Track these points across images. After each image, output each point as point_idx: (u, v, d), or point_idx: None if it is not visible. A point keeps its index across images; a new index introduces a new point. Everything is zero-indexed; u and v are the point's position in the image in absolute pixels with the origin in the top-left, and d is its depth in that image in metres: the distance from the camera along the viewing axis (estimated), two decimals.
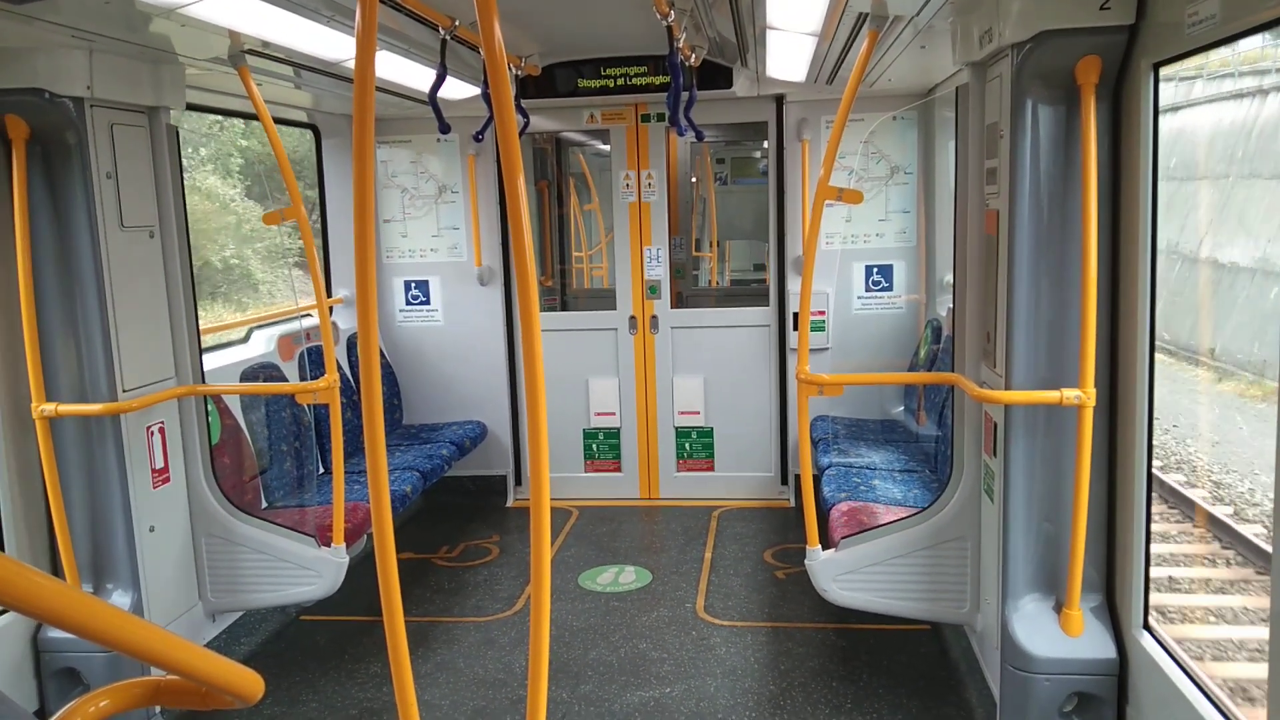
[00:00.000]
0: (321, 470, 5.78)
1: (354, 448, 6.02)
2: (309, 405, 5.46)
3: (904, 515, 4.22)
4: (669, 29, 3.94)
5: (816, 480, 5.41)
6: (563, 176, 8.34)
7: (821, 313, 6.54)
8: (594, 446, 7.03)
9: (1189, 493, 7.83)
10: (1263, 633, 5.07)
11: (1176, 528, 7.37)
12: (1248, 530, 6.73)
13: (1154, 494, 6.79)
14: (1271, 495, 7.45)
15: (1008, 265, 3.37)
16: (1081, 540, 3.21)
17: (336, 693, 4.37)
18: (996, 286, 3.51)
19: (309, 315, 6.27)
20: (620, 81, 6.16)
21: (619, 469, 7.03)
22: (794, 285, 6.57)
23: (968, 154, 3.83)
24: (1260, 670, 5.13)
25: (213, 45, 4.01)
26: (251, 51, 4.15)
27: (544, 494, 1.76)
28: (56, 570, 3.97)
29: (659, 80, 6.11)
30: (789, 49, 4.86)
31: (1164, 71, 2.98)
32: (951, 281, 4.26)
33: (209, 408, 4.66)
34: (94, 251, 3.83)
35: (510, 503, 7.07)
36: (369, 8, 1.61)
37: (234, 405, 5.18)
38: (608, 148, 6.86)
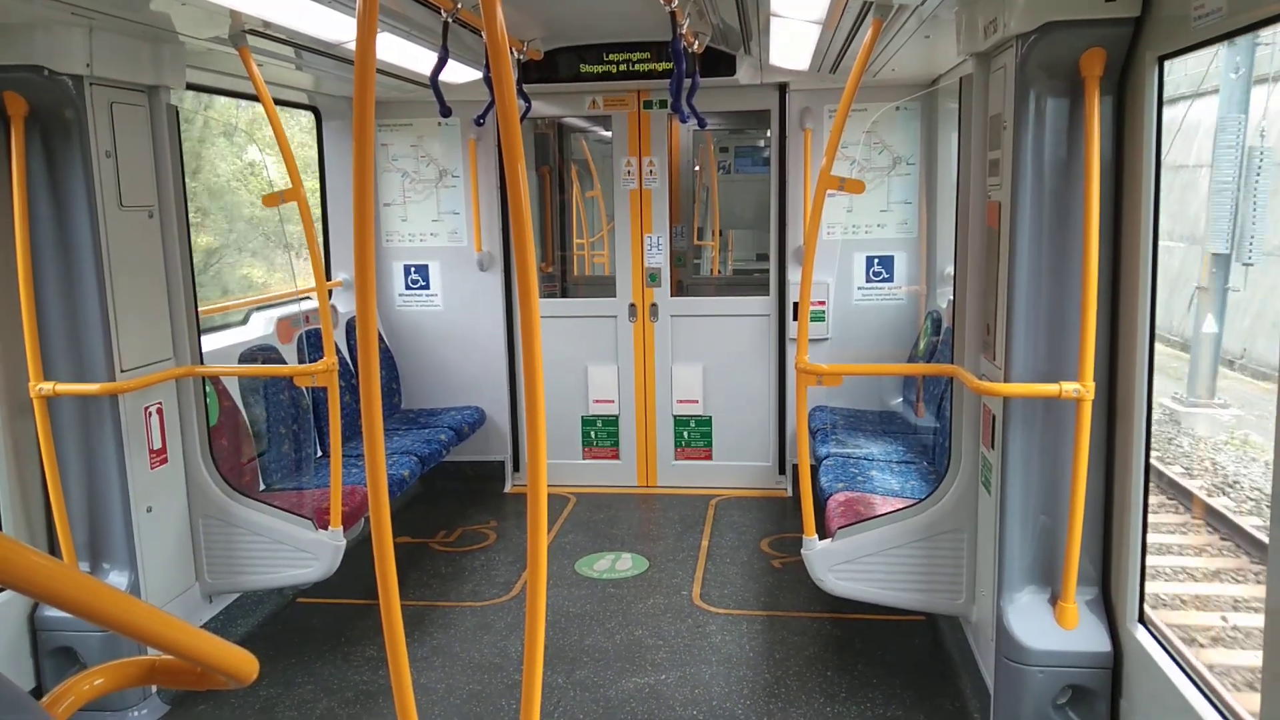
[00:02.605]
0: (319, 453, 5.78)
1: (352, 431, 6.02)
2: (307, 388, 5.46)
3: (901, 506, 4.23)
4: (672, 15, 3.91)
5: (814, 470, 5.41)
6: (564, 162, 8.31)
7: (822, 303, 6.53)
8: (592, 433, 7.03)
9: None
10: None
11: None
12: None
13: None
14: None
15: (1009, 257, 3.36)
16: (1078, 533, 3.21)
17: (332, 675, 4.39)
18: (997, 278, 3.51)
19: (308, 298, 6.26)
20: (623, 67, 6.13)
21: (617, 456, 7.03)
22: (794, 275, 6.55)
23: (970, 145, 3.82)
24: None
25: (214, 24, 3.99)
26: (253, 32, 4.12)
27: (541, 480, 1.76)
28: (54, 550, 3.98)
29: (662, 67, 6.09)
30: (793, 37, 4.83)
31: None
32: (952, 273, 4.25)
33: (207, 389, 4.66)
34: (93, 231, 3.81)
35: (508, 488, 7.08)
36: None
37: (232, 387, 5.17)
38: (610, 134, 6.84)
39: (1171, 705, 2.87)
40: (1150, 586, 6.16)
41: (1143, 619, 3.21)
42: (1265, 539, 6.32)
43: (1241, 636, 5.78)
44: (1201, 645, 5.70)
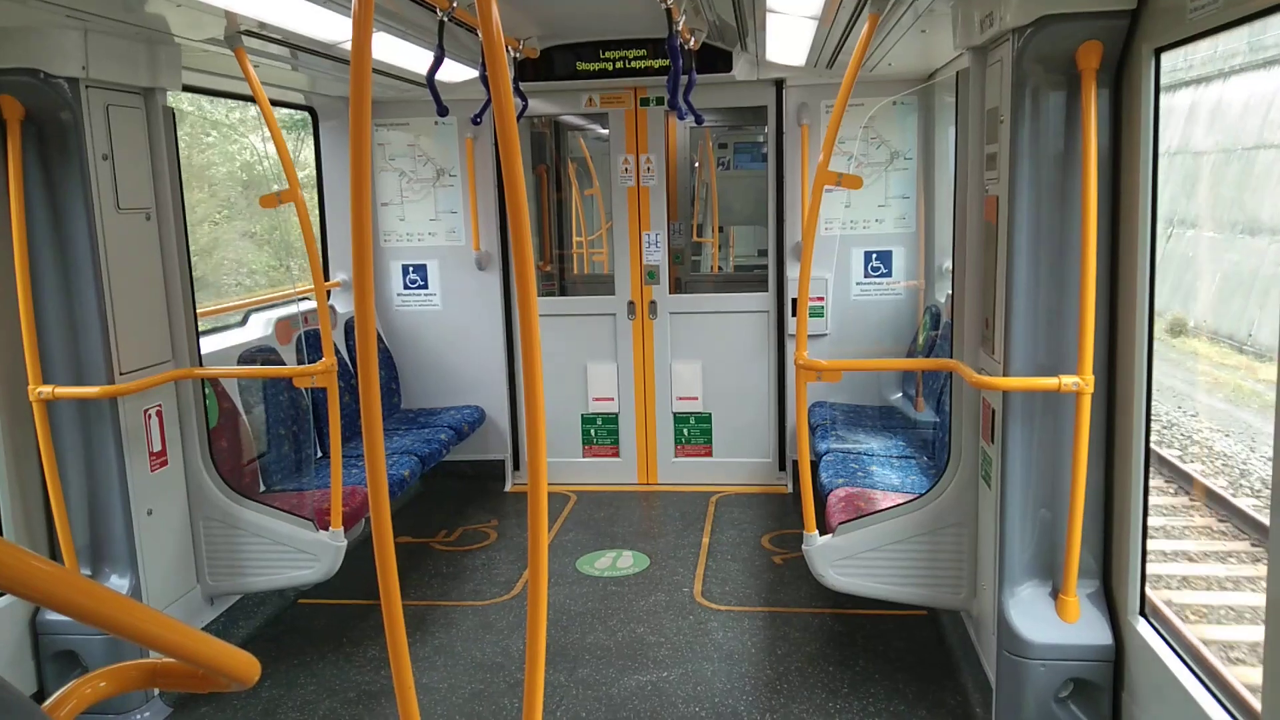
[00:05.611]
0: (319, 454, 5.78)
1: (352, 431, 6.02)
2: (307, 389, 5.46)
3: (901, 501, 4.23)
4: (668, 12, 3.91)
5: (814, 466, 5.42)
6: (562, 160, 8.31)
7: (820, 299, 6.53)
8: (592, 431, 7.03)
9: None
10: None
11: None
12: None
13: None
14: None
15: (1007, 251, 3.36)
16: (1079, 527, 3.21)
17: (334, 676, 4.39)
18: (995, 272, 3.51)
19: (306, 299, 6.26)
20: (619, 65, 6.13)
21: (617, 454, 7.03)
22: (793, 271, 6.55)
23: (968, 139, 3.81)
24: None
25: (209, 26, 3.98)
26: (248, 33, 4.12)
27: (542, 478, 1.76)
28: (54, 554, 3.97)
29: (658, 64, 6.08)
30: (789, 32, 4.83)
31: None
32: (951, 267, 4.26)
33: (206, 391, 4.66)
34: (90, 234, 3.81)
35: (508, 487, 7.08)
36: None
37: (231, 389, 5.17)
38: (607, 131, 6.84)
39: (1173, 697, 2.88)
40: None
41: (1144, 611, 3.21)
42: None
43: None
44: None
